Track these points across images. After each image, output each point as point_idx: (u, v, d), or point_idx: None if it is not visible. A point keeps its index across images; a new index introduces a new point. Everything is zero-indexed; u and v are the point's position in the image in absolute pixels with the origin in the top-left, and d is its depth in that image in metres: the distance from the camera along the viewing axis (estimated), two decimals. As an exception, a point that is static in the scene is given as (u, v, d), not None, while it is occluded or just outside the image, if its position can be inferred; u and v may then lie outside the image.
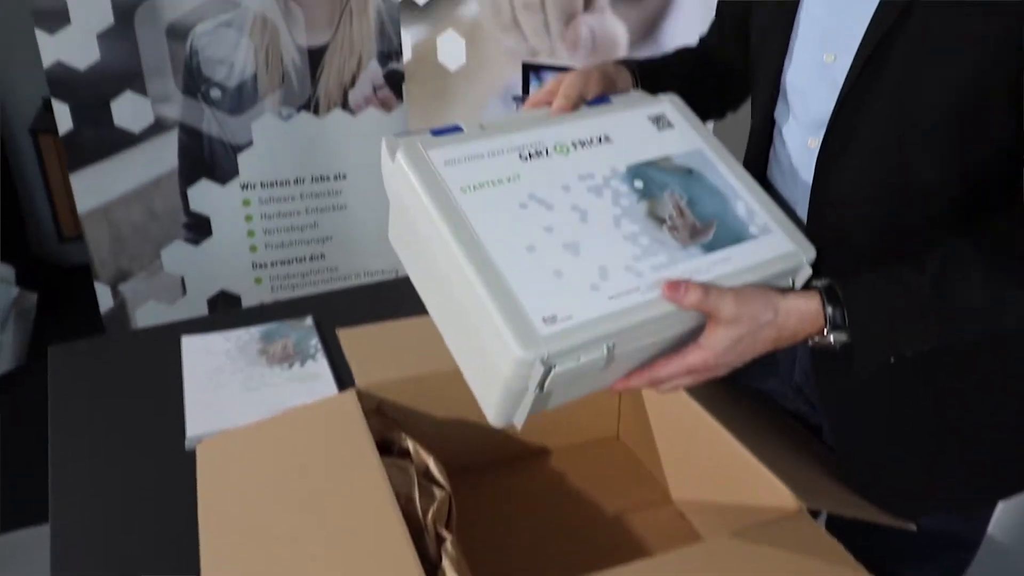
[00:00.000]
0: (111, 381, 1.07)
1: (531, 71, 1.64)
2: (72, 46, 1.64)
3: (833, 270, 0.72)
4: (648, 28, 1.53)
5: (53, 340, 1.14)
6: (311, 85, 1.83)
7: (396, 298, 1.21)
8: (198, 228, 1.87)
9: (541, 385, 0.62)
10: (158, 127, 1.76)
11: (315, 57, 1.81)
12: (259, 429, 0.86)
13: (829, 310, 0.68)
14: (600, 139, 0.74)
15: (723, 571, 0.70)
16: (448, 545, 0.74)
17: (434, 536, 0.76)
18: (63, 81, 1.66)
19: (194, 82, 1.75)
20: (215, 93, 1.77)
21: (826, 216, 0.77)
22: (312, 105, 1.85)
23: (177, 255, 1.87)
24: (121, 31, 1.66)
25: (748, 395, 0.96)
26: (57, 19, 1.61)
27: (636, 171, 0.72)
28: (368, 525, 0.72)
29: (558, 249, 0.65)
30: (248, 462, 0.82)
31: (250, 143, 1.83)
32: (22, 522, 1.74)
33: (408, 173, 0.67)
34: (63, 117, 1.69)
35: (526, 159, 0.71)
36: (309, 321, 1.17)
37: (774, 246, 0.71)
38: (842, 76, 0.73)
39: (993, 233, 0.69)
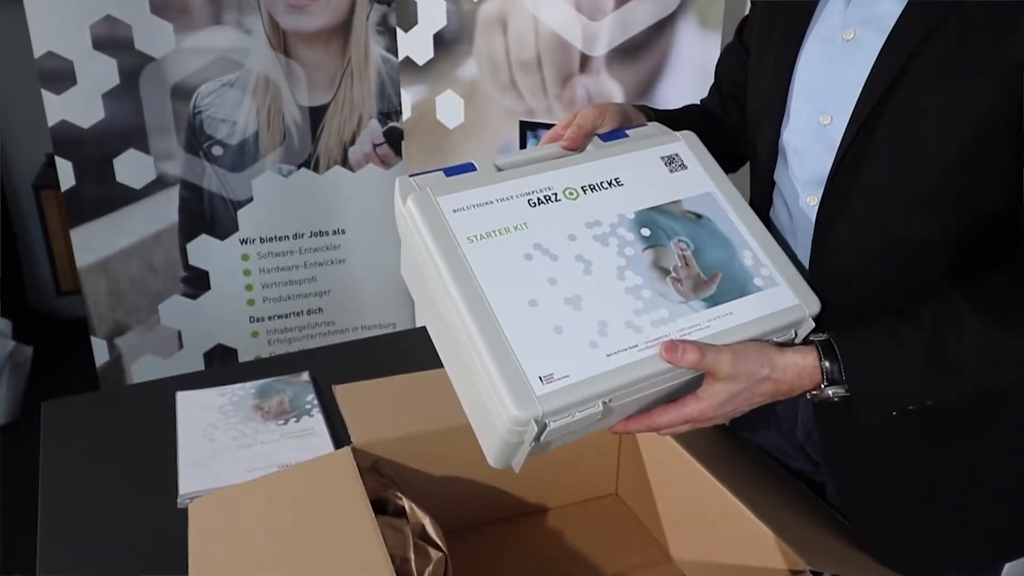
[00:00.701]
0: (104, 437, 1.06)
1: (528, 129, 1.67)
2: (77, 106, 1.68)
3: (835, 323, 0.72)
4: (643, 90, 1.57)
5: (48, 394, 1.14)
6: (311, 143, 1.86)
7: (394, 353, 1.21)
8: (196, 282, 1.87)
9: (537, 438, 0.62)
10: (159, 183, 1.78)
11: (316, 116, 1.85)
12: (252, 487, 0.85)
13: (826, 365, 0.69)
14: (610, 183, 0.74)
15: (725, 635, 0.68)
16: (444, 608, 0.73)
17: (429, 598, 0.75)
18: (67, 139, 1.69)
19: (196, 140, 1.78)
20: (217, 151, 1.80)
21: (827, 272, 0.78)
22: (312, 162, 1.88)
23: (175, 309, 1.87)
24: (126, 91, 1.70)
25: (749, 452, 0.95)
26: (63, 80, 1.65)
27: (644, 217, 0.73)
28: (362, 587, 0.70)
29: (559, 303, 0.66)
30: (241, 521, 0.81)
31: (250, 199, 1.85)
32: (10, 579, 1.70)
33: (417, 221, 0.68)
34: (66, 173, 1.71)
35: (534, 205, 0.71)
36: (306, 376, 1.17)
37: (778, 300, 0.71)
38: (839, 137, 0.74)
39: (988, 288, 0.70)
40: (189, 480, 0.96)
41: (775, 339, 0.71)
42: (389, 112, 1.88)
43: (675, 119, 0.94)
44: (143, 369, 1.88)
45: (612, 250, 0.70)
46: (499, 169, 0.73)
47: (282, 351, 1.96)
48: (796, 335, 0.73)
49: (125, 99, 1.70)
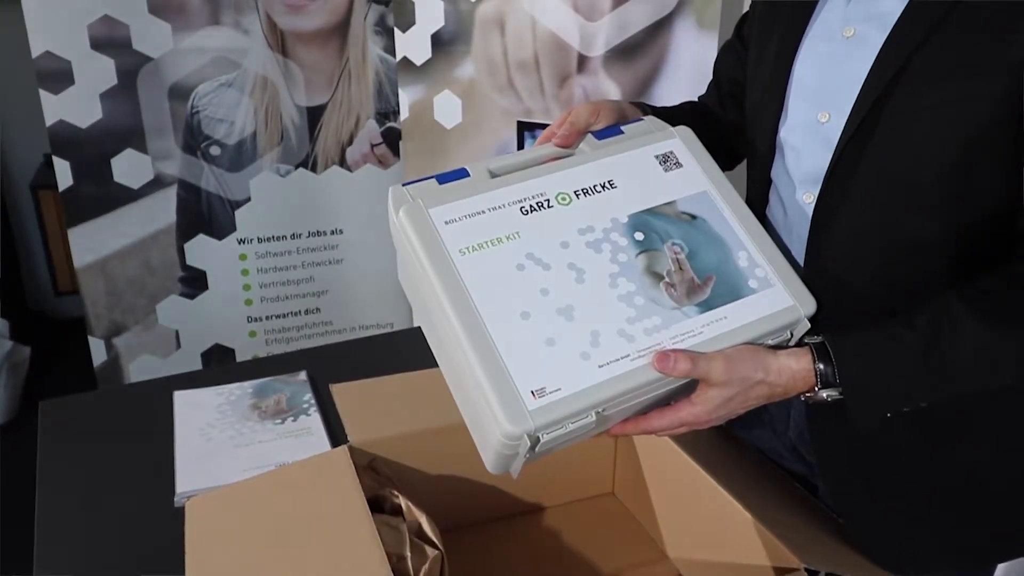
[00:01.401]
0: (102, 436, 1.06)
1: (526, 129, 1.67)
2: (75, 106, 1.68)
3: (831, 322, 0.72)
4: (641, 90, 1.57)
5: (46, 393, 1.14)
6: (309, 143, 1.86)
7: (391, 352, 1.21)
8: (194, 282, 1.87)
9: (532, 449, 0.63)
10: (157, 183, 1.79)
11: (314, 116, 1.85)
12: (249, 486, 0.85)
13: (820, 367, 0.69)
14: (604, 186, 0.73)
15: (720, 633, 0.68)
16: (440, 606, 0.73)
17: (426, 596, 0.75)
18: (65, 139, 1.69)
19: (194, 140, 1.78)
20: (215, 150, 1.80)
21: (822, 270, 0.78)
22: (310, 162, 1.88)
23: (172, 309, 1.87)
24: (124, 91, 1.70)
25: (745, 451, 0.95)
26: (61, 80, 1.65)
27: (637, 221, 0.72)
28: (359, 585, 0.70)
29: (552, 314, 0.65)
30: (238, 520, 0.81)
31: (248, 199, 1.85)
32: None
33: (409, 234, 0.68)
34: (64, 174, 1.71)
35: (527, 213, 0.70)
36: (303, 376, 1.17)
37: (773, 301, 0.71)
38: (836, 135, 0.74)
39: (983, 289, 0.70)
40: (186, 479, 0.96)
41: (770, 341, 0.71)
42: (387, 112, 1.88)
43: (672, 116, 0.94)
44: (141, 369, 1.88)
45: (605, 256, 0.69)
46: (493, 174, 0.73)
47: (280, 351, 1.96)
48: (792, 336, 0.73)
49: (123, 99, 1.70)
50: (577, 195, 0.72)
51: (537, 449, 0.63)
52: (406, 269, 0.73)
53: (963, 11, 0.66)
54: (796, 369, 0.69)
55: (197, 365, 1.91)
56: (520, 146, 1.68)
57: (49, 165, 1.96)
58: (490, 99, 1.68)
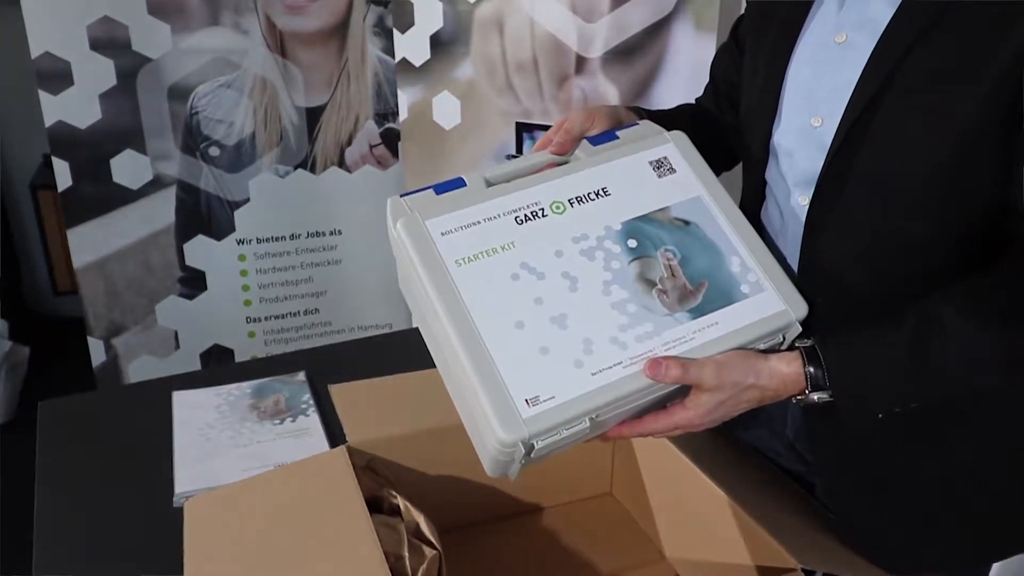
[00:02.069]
0: (101, 436, 1.06)
1: (524, 131, 1.67)
2: (74, 106, 1.68)
3: (824, 323, 0.73)
4: (639, 92, 1.57)
5: (45, 394, 1.14)
6: (308, 144, 1.87)
7: (390, 353, 1.22)
8: (193, 283, 1.88)
9: (528, 455, 0.64)
10: (156, 184, 1.79)
11: (313, 117, 1.85)
12: (248, 486, 0.85)
13: (810, 370, 0.70)
14: (598, 193, 0.74)
15: (717, 632, 0.69)
16: (438, 606, 0.73)
17: (424, 596, 0.75)
18: (64, 139, 1.69)
19: (193, 140, 1.79)
20: (214, 151, 1.80)
21: (816, 272, 0.78)
22: (309, 163, 1.88)
23: (171, 309, 1.87)
24: (123, 92, 1.70)
25: (742, 452, 0.96)
26: (60, 80, 1.65)
27: (631, 228, 0.73)
28: (357, 585, 0.71)
29: (545, 323, 0.67)
30: (236, 520, 0.81)
31: (247, 200, 1.85)
32: (6, 579, 1.71)
33: (406, 245, 0.69)
34: (63, 174, 1.71)
35: (522, 223, 0.71)
36: (302, 376, 1.17)
37: (764, 306, 0.72)
38: (829, 139, 0.74)
39: (971, 290, 0.70)
40: (185, 479, 0.97)
41: (761, 345, 0.72)
42: (386, 113, 1.88)
43: (669, 118, 0.94)
44: (140, 369, 1.88)
45: (598, 264, 0.70)
46: (489, 183, 0.74)
47: (279, 351, 1.96)
48: (784, 339, 0.73)
49: (122, 100, 1.71)
50: (571, 203, 0.73)
51: (533, 455, 0.64)
52: (405, 278, 0.74)
53: (952, 16, 0.67)
54: (786, 373, 0.70)
55: (196, 365, 1.91)
56: (519, 147, 1.69)
57: (48, 165, 1.96)
58: (489, 100, 1.68)
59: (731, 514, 0.80)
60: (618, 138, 0.79)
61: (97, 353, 1.85)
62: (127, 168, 1.75)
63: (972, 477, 0.81)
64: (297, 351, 1.44)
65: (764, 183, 0.86)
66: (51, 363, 2.43)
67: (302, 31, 1.79)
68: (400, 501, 0.85)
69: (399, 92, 1.75)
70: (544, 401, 0.63)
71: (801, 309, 0.73)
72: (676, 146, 0.79)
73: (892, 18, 0.70)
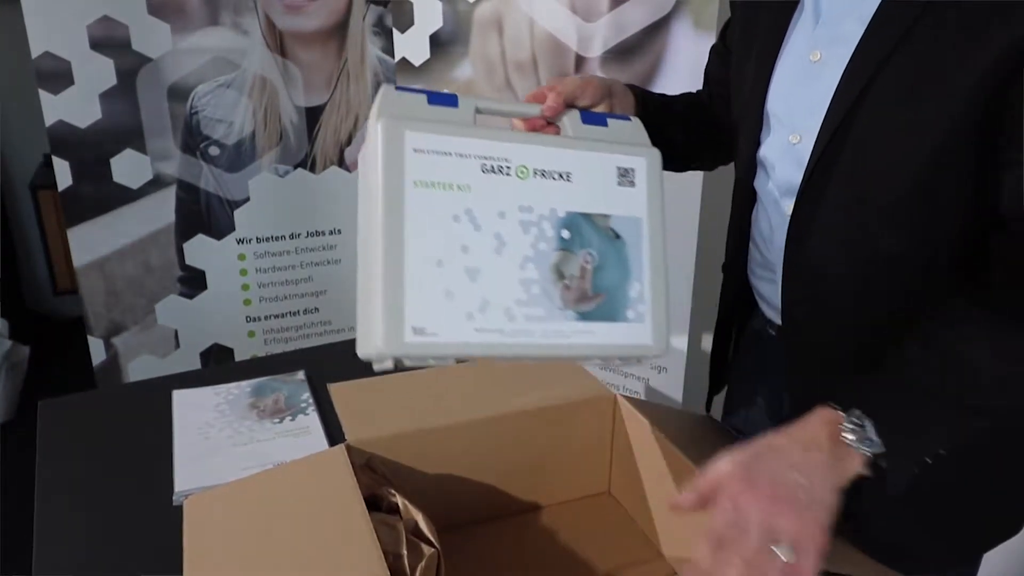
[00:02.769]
0: (100, 435, 1.06)
1: (524, 130, 1.68)
2: (74, 106, 1.68)
3: (810, 328, 0.74)
4: (637, 90, 1.57)
5: (44, 393, 1.14)
6: (308, 143, 1.87)
7: (388, 353, 1.22)
8: (193, 282, 1.88)
9: (395, 366, 0.68)
10: (156, 183, 1.79)
11: (312, 116, 1.86)
12: (247, 485, 0.86)
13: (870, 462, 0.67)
14: (561, 175, 0.76)
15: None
16: (436, 604, 0.74)
17: (422, 594, 0.75)
18: (64, 139, 1.69)
19: (193, 140, 1.79)
20: (213, 151, 1.81)
21: (799, 282, 0.80)
22: (308, 163, 1.88)
23: (171, 309, 1.88)
24: (123, 92, 1.71)
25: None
26: (60, 80, 1.65)
27: (571, 220, 0.75)
28: (355, 583, 0.71)
29: (460, 271, 0.70)
30: (235, 518, 0.81)
31: (247, 199, 1.86)
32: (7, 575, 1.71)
33: (378, 145, 0.71)
34: (63, 173, 1.72)
35: (485, 172, 0.74)
36: (301, 375, 1.18)
37: (634, 336, 0.75)
38: (807, 156, 0.76)
39: (951, 316, 0.68)
40: (185, 478, 0.97)
41: (616, 361, 0.77)
42: (385, 113, 1.88)
43: (669, 104, 0.95)
44: (139, 368, 1.88)
45: (528, 239, 0.73)
46: (479, 111, 0.77)
47: (278, 350, 1.97)
48: (639, 361, 0.77)
49: (122, 99, 1.71)
50: (535, 174, 0.76)
51: (397, 366, 0.69)
52: (365, 162, 0.76)
53: (922, 32, 0.67)
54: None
55: (196, 365, 1.91)
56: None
57: (48, 165, 1.96)
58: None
59: (729, 513, 0.80)
60: (607, 126, 0.81)
61: (97, 352, 1.85)
62: (127, 168, 1.76)
63: (965, 472, 0.81)
64: (297, 350, 1.44)
65: (753, 193, 0.88)
66: (51, 362, 2.43)
67: (302, 31, 1.80)
68: (399, 499, 0.85)
69: (398, 92, 1.76)
70: (428, 335, 0.68)
71: (661, 348, 0.77)
72: (647, 163, 0.80)
73: (862, 36, 0.71)
